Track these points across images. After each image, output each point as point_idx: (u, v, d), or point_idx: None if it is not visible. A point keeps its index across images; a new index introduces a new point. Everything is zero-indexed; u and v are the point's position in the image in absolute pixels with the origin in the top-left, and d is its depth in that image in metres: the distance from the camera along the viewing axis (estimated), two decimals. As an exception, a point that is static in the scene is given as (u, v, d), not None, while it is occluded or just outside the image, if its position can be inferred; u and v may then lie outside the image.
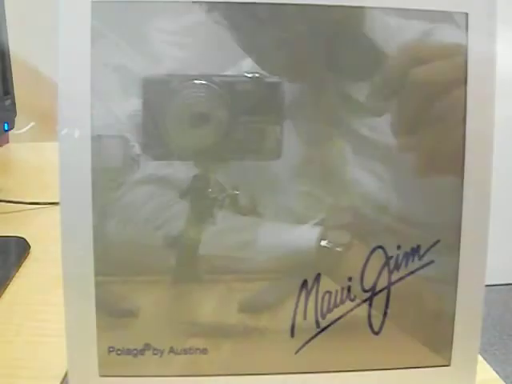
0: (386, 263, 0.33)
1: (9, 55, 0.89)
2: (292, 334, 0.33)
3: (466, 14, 0.31)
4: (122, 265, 0.33)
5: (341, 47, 0.33)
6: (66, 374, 0.38)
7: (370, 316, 0.33)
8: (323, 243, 0.33)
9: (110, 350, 0.32)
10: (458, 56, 0.32)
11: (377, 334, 0.34)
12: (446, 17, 0.32)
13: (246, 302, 0.33)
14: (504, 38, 0.33)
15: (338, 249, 0.33)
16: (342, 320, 0.33)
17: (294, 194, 0.34)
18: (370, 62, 0.33)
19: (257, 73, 0.32)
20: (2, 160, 1.10)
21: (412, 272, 0.33)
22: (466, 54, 0.32)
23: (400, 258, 0.33)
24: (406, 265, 0.33)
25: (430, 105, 0.32)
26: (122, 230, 0.33)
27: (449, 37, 0.32)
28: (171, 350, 0.33)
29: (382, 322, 0.34)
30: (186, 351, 0.33)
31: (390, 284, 0.33)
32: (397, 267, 0.33)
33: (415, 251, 0.33)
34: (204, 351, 0.33)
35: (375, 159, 0.33)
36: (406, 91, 0.33)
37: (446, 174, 0.33)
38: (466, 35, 0.32)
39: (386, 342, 0.34)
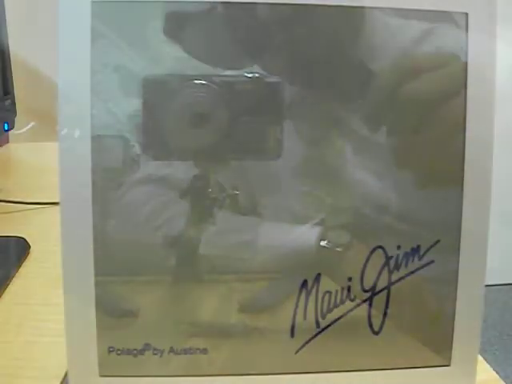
0: (386, 263, 0.33)
1: (9, 55, 0.89)
2: (292, 334, 0.33)
3: (466, 14, 0.31)
4: (122, 265, 0.33)
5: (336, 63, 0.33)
6: (65, 374, 0.38)
7: (369, 316, 0.33)
8: (323, 243, 0.33)
9: (110, 349, 0.32)
10: (450, 65, 0.32)
11: (377, 334, 0.34)
12: (446, 17, 0.32)
13: (246, 302, 0.33)
14: (504, 38, 0.33)
15: (338, 249, 0.33)
16: (342, 320, 0.33)
17: (294, 193, 0.34)
18: (360, 83, 0.33)
19: (257, 73, 0.32)
20: (2, 160, 1.10)
21: (412, 272, 0.33)
22: (458, 61, 0.32)
23: (400, 257, 0.33)
24: (406, 265, 0.33)
25: (425, 119, 0.32)
26: (122, 229, 0.33)
27: (449, 37, 0.32)
28: (171, 350, 0.33)
29: (382, 322, 0.34)
30: (186, 351, 0.33)
31: (390, 284, 0.33)
32: (397, 267, 0.33)
33: (415, 251, 0.33)
34: (204, 351, 0.33)
35: (375, 159, 0.33)
36: (399, 109, 0.33)
37: (445, 186, 0.33)
38: (466, 35, 0.32)
39: (386, 342, 0.34)
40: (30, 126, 1.15)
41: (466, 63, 0.32)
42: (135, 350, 0.33)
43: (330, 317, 0.33)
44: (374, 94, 0.33)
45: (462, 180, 0.32)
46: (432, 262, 0.33)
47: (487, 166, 0.33)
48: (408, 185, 0.33)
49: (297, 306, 0.33)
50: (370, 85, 0.32)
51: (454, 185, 0.33)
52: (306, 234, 0.33)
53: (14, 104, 0.91)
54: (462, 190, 0.32)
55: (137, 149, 0.32)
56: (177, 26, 0.31)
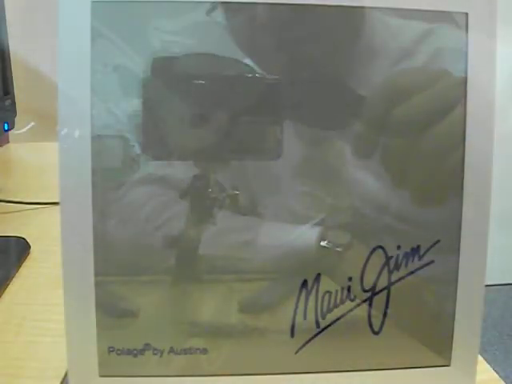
0: (386, 263, 0.33)
1: (9, 55, 0.89)
2: (292, 334, 0.33)
3: (466, 14, 0.31)
4: (122, 265, 0.33)
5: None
6: (65, 374, 0.38)
7: (370, 316, 0.33)
8: (323, 243, 0.33)
9: (110, 349, 0.32)
10: (443, 79, 0.32)
11: (377, 334, 0.34)
12: (445, 17, 0.32)
13: (246, 302, 0.33)
14: (504, 37, 0.33)
15: (338, 249, 0.33)
16: (342, 320, 0.33)
17: (294, 194, 0.34)
18: (349, 109, 0.32)
19: (257, 73, 0.32)
20: (2, 160, 1.10)
21: (412, 272, 0.33)
22: (455, 72, 0.32)
23: (400, 257, 0.33)
24: (406, 265, 0.33)
25: (422, 137, 0.32)
26: (122, 230, 0.33)
27: (449, 37, 0.32)
28: (171, 350, 0.33)
29: (382, 322, 0.34)
30: (185, 351, 0.33)
31: (390, 284, 0.33)
32: (397, 267, 0.33)
33: (415, 251, 0.33)
34: (204, 351, 0.33)
35: (375, 159, 0.33)
36: (391, 134, 0.32)
37: (444, 198, 0.33)
38: (466, 35, 0.32)
39: (386, 342, 0.34)
40: (29, 126, 1.15)
41: (465, 69, 0.32)
42: (135, 349, 0.33)
43: (330, 317, 0.33)
44: (365, 120, 0.32)
45: (462, 181, 0.32)
46: (432, 262, 0.33)
47: (487, 167, 0.33)
48: (406, 202, 0.33)
49: (297, 306, 0.33)
50: (360, 111, 0.32)
51: (453, 189, 0.33)
52: (306, 234, 0.33)
53: (14, 104, 0.91)
54: (462, 191, 0.32)
55: (137, 149, 0.32)
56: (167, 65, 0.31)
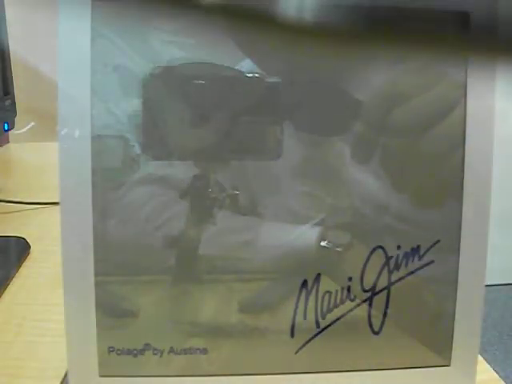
0: (386, 263, 0.33)
1: (9, 55, 0.89)
2: (292, 334, 0.33)
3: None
4: (122, 265, 0.33)
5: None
6: (65, 374, 0.38)
7: (369, 316, 0.33)
8: (323, 243, 0.33)
9: (110, 349, 0.32)
10: (443, 82, 0.32)
11: (377, 333, 0.34)
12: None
13: (246, 302, 0.33)
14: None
15: (338, 249, 0.33)
16: (341, 320, 0.33)
17: (294, 194, 0.34)
18: (347, 113, 0.32)
19: (257, 73, 0.32)
20: (2, 160, 1.10)
21: (412, 272, 0.33)
22: (454, 73, 0.32)
23: (400, 258, 0.33)
24: (406, 265, 0.33)
25: (420, 141, 0.32)
26: (122, 229, 0.33)
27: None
28: (171, 350, 0.33)
29: (382, 322, 0.34)
30: (185, 351, 0.33)
31: (390, 284, 0.33)
32: (397, 267, 0.33)
33: (415, 251, 0.33)
34: (204, 351, 0.33)
35: (375, 161, 0.33)
36: (391, 135, 0.32)
37: (444, 199, 0.33)
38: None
39: (386, 342, 0.34)
40: (29, 126, 1.15)
41: (465, 69, 0.32)
42: (135, 349, 0.33)
43: (330, 317, 0.33)
44: (365, 122, 0.32)
45: (462, 182, 0.32)
46: (432, 262, 0.33)
47: (487, 168, 0.33)
48: (406, 202, 0.33)
49: (297, 306, 0.33)
50: (360, 113, 0.32)
51: (453, 189, 0.33)
52: (306, 234, 0.33)
53: (14, 104, 0.91)
54: (462, 191, 0.32)
55: (137, 149, 0.32)
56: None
